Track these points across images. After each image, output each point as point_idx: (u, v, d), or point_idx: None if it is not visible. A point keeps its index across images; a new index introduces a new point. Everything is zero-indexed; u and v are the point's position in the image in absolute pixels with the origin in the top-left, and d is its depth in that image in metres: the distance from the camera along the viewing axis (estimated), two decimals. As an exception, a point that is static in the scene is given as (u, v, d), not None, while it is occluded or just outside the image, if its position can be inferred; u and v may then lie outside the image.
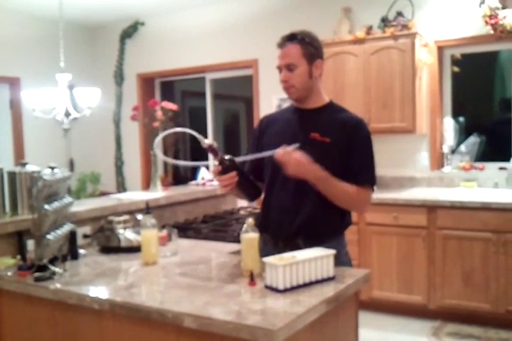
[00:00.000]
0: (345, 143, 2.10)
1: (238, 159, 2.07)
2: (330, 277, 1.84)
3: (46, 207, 2.01)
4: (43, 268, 2.01)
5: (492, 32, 4.21)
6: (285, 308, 1.58)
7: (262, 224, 2.23)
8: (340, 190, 2.07)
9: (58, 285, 1.91)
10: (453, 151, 4.68)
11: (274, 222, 2.18)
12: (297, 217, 2.11)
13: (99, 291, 1.85)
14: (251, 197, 2.32)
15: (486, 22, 4.20)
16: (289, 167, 1.96)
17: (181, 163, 2.25)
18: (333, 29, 4.83)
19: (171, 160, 2.46)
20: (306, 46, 2.10)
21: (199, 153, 6.29)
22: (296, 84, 2.11)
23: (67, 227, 2.22)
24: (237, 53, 5.58)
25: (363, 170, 2.14)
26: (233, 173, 2.03)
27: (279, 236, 2.17)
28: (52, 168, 2.20)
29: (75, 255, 2.32)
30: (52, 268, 2.03)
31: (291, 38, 2.11)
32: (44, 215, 2.00)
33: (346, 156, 2.09)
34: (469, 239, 3.81)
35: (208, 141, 2.04)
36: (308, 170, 1.98)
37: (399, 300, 4.07)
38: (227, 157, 2.04)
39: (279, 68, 2.13)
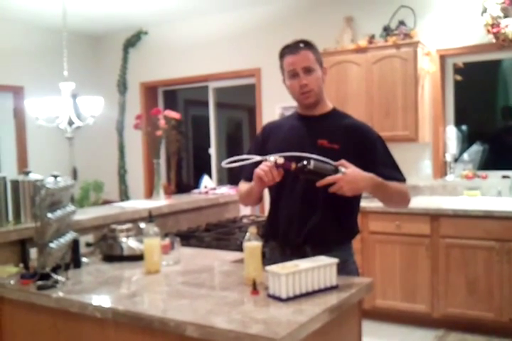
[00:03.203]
0: (355, 148, 2.10)
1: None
2: (333, 286, 1.83)
3: (49, 215, 2.01)
4: (45, 276, 2.01)
5: (494, 41, 4.22)
6: (288, 317, 1.58)
7: (270, 232, 2.23)
8: (394, 191, 2.09)
9: (61, 294, 1.91)
10: (456, 160, 4.68)
11: (281, 230, 2.17)
12: (305, 225, 2.10)
13: (101, 300, 1.85)
14: (259, 201, 2.28)
15: (488, 31, 4.22)
16: (345, 188, 1.89)
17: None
18: (335, 38, 4.85)
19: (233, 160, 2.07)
20: (315, 52, 2.15)
21: (202, 161, 6.30)
22: (315, 87, 2.12)
23: (70, 236, 2.22)
24: (240, 62, 5.60)
25: (390, 170, 2.13)
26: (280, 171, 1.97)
27: (286, 244, 2.16)
28: (56, 177, 2.20)
29: (77, 263, 2.32)
30: (55, 276, 2.03)
31: (302, 44, 2.13)
32: (47, 223, 2.01)
33: (360, 161, 2.02)
34: (472, 248, 3.80)
35: (273, 158, 1.94)
36: (364, 184, 1.95)
37: (402, 309, 4.05)
38: (304, 163, 1.91)
39: (293, 72, 2.11)
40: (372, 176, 1.98)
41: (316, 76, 2.12)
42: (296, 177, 1.99)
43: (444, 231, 3.90)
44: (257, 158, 2.00)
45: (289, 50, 2.13)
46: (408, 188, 2.18)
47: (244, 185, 2.27)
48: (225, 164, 2.01)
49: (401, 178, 2.15)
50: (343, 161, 1.93)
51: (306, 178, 1.94)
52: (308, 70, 2.10)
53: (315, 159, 1.92)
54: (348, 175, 1.90)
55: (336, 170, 1.91)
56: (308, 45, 2.13)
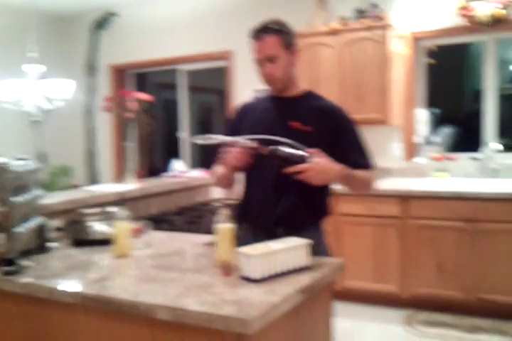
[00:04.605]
0: (328, 131, 2.10)
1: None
2: (305, 267, 1.83)
3: (15, 199, 1.96)
4: (12, 262, 1.96)
5: (466, 23, 4.24)
6: (260, 298, 1.57)
7: (242, 214, 2.23)
8: (358, 180, 2.12)
9: (28, 279, 1.87)
10: (426, 142, 4.73)
11: (254, 211, 2.18)
12: (277, 207, 2.11)
13: (70, 285, 1.82)
14: (233, 183, 2.29)
15: (461, 13, 4.23)
16: (313, 178, 1.92)
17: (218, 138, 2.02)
18: (308, 20, 4.82)
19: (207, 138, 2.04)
20: (283, 36, 2.08)
21: (173, 145, 6.24)
22: (279, 75, 2.09)
23: (37, 220, 2.18)
24: (212, 44, 5.53)
25: (360, 155, 2.16)
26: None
27: (258, 226, 2.17)
28: (21, 160, 2.15)
29: (45, 248, 2.27)
30: (22, 262, 1.98)
31: (267, 29, 2.06)
32: (13, 207, 1.96)
33: (332, 144, 2.07)
34: (442, 229, 3.86)
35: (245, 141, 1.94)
36: (332, 175, 1.98)
37: (372, 290, 4.10)
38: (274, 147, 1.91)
39: (259, 61, 2.09)
40: (341, 168, 2.00)
41: (281, 63, 2.08)
42: (269, 160, 1.99)
43: (414, 213, 3.94)
44: (229, 138, 1.98)
45: (255, 35, 2.09)
46: (374, 175, 2.20)
47: (218, 168, 2.26)
48: (195, 140, 2.02)
49: (370, 165, 2.18)
50: (316, 150, 1.94)
51: (278, 163, 1.94)
52: (271, 59, 2.06)
53: (289, 144, 1.91)
54: (318, 165, 1.91)
55: (306, 158, 1.91)
56: (275, 28, 2.07)
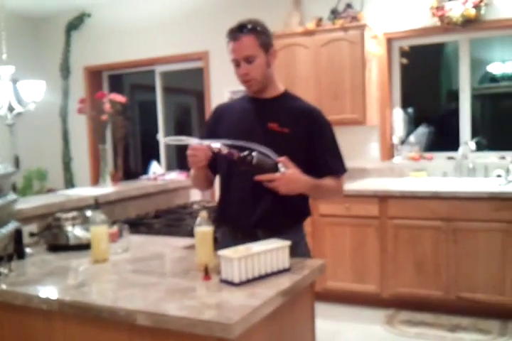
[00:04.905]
0: (304, 133, 2.10)
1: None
2: (285, 268, 1.82)
3: (-12, 204, 1.91)
4: (-14, 268, 1.92)
5: (439, 24, 4.28)
6: (241, 301, 1.55)
7: (221, 217, 2.21)
8: (326, 190, 2.12)
9: (3, 286, 1.82)
10: (402, 142, 4.76)
11: (232, 214, 2.15)
12: (256, 209, 2.09)
13: (47, 291, 1.78)
14: (208, 184, 2.30)
15: (434, 14, 4.28)
16: (281, 188, 1.93)
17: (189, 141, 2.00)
18: (283, 21, 4.81)
19: (184, 138, 2.01)
20: (260, 35, 2.06)
21: (150, 147, 6.18)
22: (256, 76, 2.07)
23: (12, 225, 2.13)
24: (187, 45, 5.49)
25: (334, 160, 2.16)
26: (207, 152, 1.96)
27: (238, 229, 2.15)
28: (-6, 164, 2.10)
29: (21, 254, 2.22)
30: (-3, 268, 1.94)
31: (244, 29, 2.04)
32: (-14, 213, 1.91)
33: (309, 147, 2.09)
34: (420, 228, 3.88)
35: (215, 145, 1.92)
36: (300, 186, 1.98)
37: (352, 290, 4.11)
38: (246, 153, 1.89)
39: (236, 62, 2.07)
40: (309, 179, 2.00)
41: (258, 64, 2.06)
42: (238, 166, 1.96)
43: (392, 213, 3.96)
44: (196, 140, 1.97)
45: (231, 35, 2.05)
46: (343, 181, 2.21)
47: (192, 170, 2.25)
48: (168, 141, 2.01)
49: (341, 170, 2.18)
50: (284, 159, 1.93)
51: (247, 169, 1.93)
52: (248, 59, 2.04)
53: (261, 151, 1.90)
54: (287, 176, 1.92)
55: (276, 166, 1.91)
56: (252, 28, 2.04)
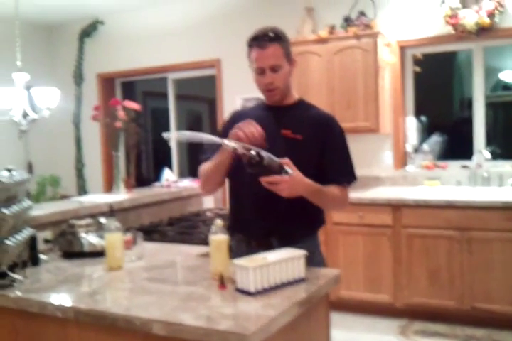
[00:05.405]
0: (318, 140, 2.08)
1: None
2: (301, 278, 1.80)
3: (4, 210, 1.91)
4: (2, 275, 1.92)
5: (453, 32, 4.27)
6: (257, 311, 1.54)
7: (235, 225, 2.18)
8: (329, 197, 2.06)
9: (19, 293, 1.82)
10: (416, 150, 4.74)
11: (247, 221, 2.13)
12: (270, 217, 2.07)
13: (62, 298, 1.77)
14: (220, 183, 2.19)
15: (447, 22, 4.26)
16: (285, 190, 1.87)
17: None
18: (296, 29, 4.82)
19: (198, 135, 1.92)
20: (285, 44, 2.05)
21: (162, 154, 6.20)
22: (280, 85, 2.06)
23: (27, 232, 2.13)
24: (200, 53, 5.51)
25: (343, 168, 2.13)
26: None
27: (252, 236, 2.12)
28: (10, 171, 2.10)
29: (35, 261, 2.22)
30: (12, 275, 1.94)
31: (269, 37, 2.01)
32: (2, 219, 1.91)
33: (321, 154, 2.07)
34: (434, 237, 3.85)
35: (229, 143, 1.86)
36: (303, 189, 1.93)
37: (366, 300, 4.08)
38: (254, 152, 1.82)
39: (260, 70, 2.03)
40: (311, 183, 1.95)
41: (283, 73, 2.05)
42: (245, 166, 1.89)
43: (405, 222, 3.93)
44: (210, 137, 1.90)
45: (257, 43, 2.01)
46: (347, 194, 2.15)
47: (206, 164, 2.14)
48: (180, 136, 1.97)
49: (345, 182, 2.12)
50: (287, 161, 1.88)
51: (253, 171, 1.86)
52: (274, 68, 2.02)
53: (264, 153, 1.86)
54: (293, 178, 1.86)
55: (281, 168, 1.86)
56: (277, 36, 2.02)
